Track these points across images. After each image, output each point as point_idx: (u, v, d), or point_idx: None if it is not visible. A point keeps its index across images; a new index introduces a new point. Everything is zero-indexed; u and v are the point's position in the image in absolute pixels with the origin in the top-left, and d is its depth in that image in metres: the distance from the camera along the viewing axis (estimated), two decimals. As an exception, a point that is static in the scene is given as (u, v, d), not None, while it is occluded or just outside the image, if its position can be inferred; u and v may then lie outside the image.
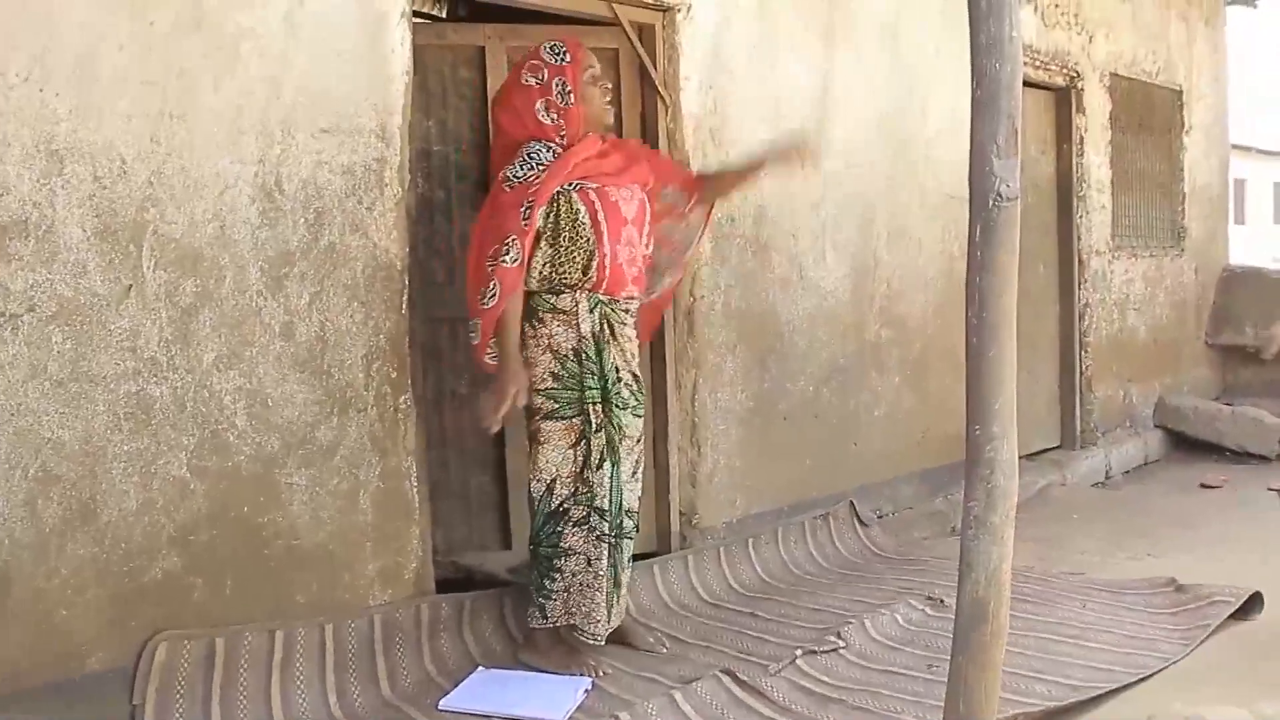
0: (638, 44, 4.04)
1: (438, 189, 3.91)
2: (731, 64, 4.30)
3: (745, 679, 3.01)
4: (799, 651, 3.25)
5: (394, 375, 3.32)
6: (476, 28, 4.01)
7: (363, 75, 3.24)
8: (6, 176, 2.60)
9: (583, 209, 3.18)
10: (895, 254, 5.08)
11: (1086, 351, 6.43)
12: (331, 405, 3.18)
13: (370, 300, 3.26)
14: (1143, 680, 3.15)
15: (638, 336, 3.42)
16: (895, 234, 5.08)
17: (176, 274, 2.88)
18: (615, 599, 3.26)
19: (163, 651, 2.82)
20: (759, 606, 3.79)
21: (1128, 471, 6.52)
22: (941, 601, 3.66)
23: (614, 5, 3.96)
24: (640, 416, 3.33)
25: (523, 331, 3.20)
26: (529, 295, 3.20)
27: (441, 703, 3.00)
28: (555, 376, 3.19)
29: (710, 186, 3.68)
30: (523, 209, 3.11)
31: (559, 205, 3.18)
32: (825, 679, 3.12)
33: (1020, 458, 2.32)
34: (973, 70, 2.17)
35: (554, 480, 3.22)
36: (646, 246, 3.36)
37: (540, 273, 3.19)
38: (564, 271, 3.18)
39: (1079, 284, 6.38)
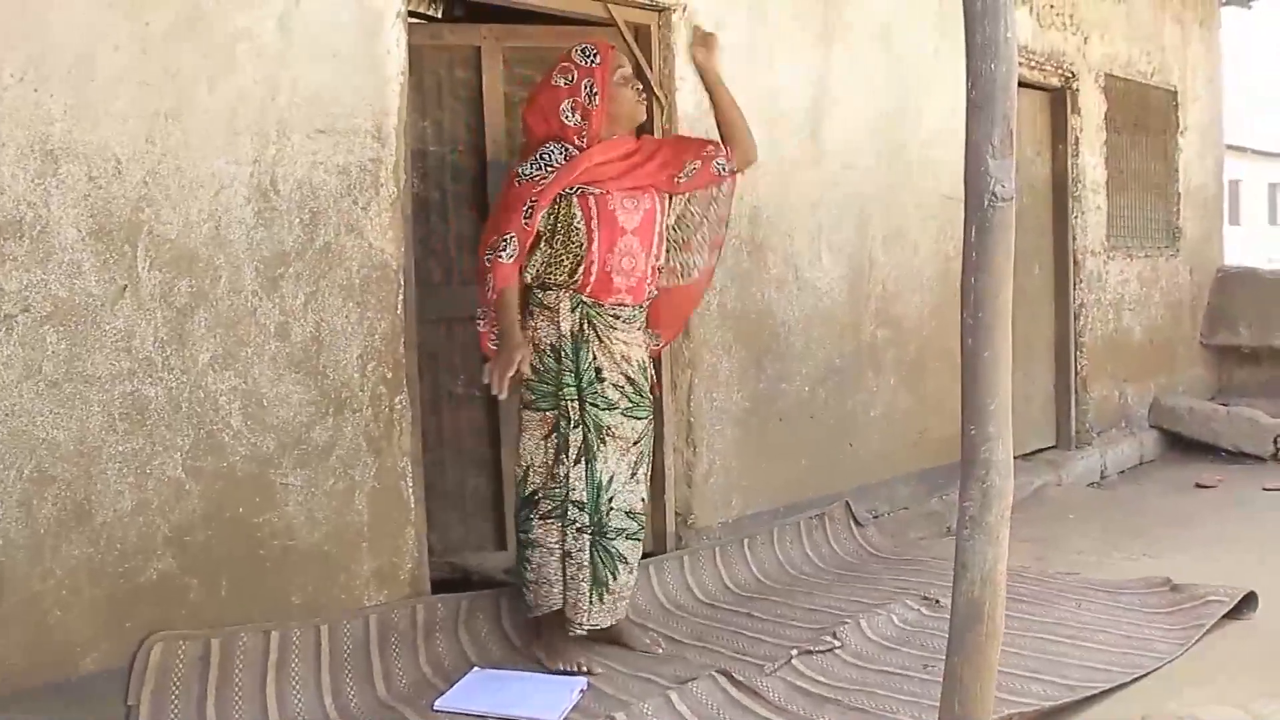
0: (633, 44, 4.04)
1: (433, 189, 3.91)
2: (727, 65, 4.28)
3: (741, 679, 3.01)
4: (795, 652, 3.25)
5: (389, 376, 3.32)
6: (472, 28, 4.01)
7: (358, 76, 3.23)
8: (1, 177, 2.60)
9: (579, 214, 3.23)
10: (891, 255, 5.08)
11: (1082, 352, 6.43)
12: (327, 406, 3.18)
13: (365, 300, 3.26)
14: (1138, 680, 3.16)
15: (658, 335, 3.50)
16: (891, 235, 5.08)
17: (171, 274, 2.88)
18: (602, 595, 3.26)
19: (158, 652, 2.82)
20: (755, 607, 3.79)
21: (1123, 471, 6.53)
22: (937, 601, 3.66)
23: (609, 6, 3.96)
24: (637, 419, 3.33)
25: (521, 323, 3.29)
26: (525, 289, 3.30)
27: (437, 703, 3.00)
28: (534, 370, 3.25)
29: (721, 133, 3.62)
30: (525, 208, 3.18)
31: (559, 207, 3.23)
32: (821, 679, 3.12)
33: (1016, 458, 2.32)
34: (968, 71, 2.18)
35: (528, 468, 3.30)
36: (656, 257, 3.38)
37: (536, 270, 3.28)
38: (553, 271, 3.26)
39: (1074, 284, 6.38)
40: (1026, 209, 5.70)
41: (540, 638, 3.34)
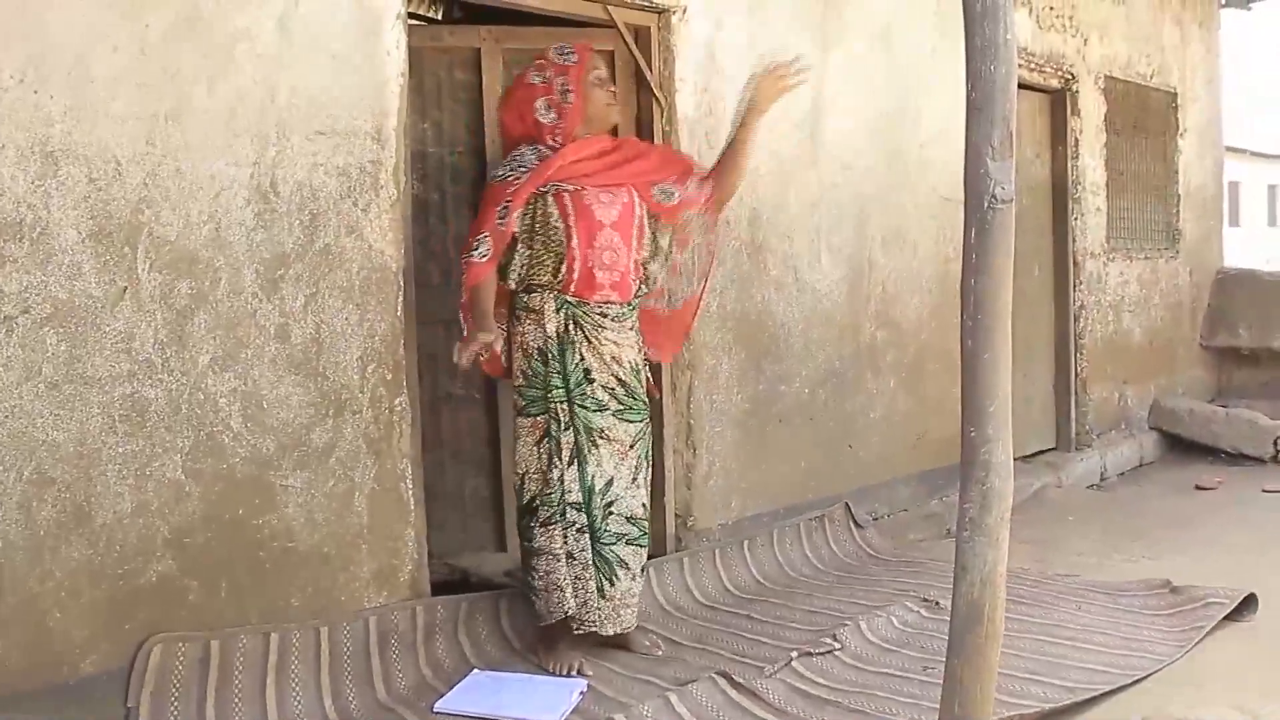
0: (633, 46, 4.05)
1: (433, 191, 3.91)
2: (726, 66, 4.30)
3: (741, 681, 3.01)
4: (794, 653, 3.25)
5: (389, 377, 3.32)
6: (472, 30, 4.01)
7: (358, 78, 3.23)
8: (1, 179, 2.60)
9: (555, 212, 3.24)
10: (891, 256, 5.08)
11: (1081, 354, 6.43)
12: (326, 407, 3.18)
13: (365, 302, 3.26)
14: (1138, 682, 3.15)
15: (646, 346, 3.46)
16: (890, 236, 5.08)
17: (171, 276, 2.87)
18: (605, 595, 3.26)
19: (157, 654, 2.82)
20: (754, 608, 3.79)
21: (1123, 473, 6.53)
22: (937, 603, 3.65)
23: (610, 8, 3.96)
24: (630, 422, 3.32)
25: (506, 332, 3.32)
26: (510, 295, 3.31)
27: (437, 705, 3.00)
28: (524, 375, 3.27)
29: (719, 171, 3.52)
30: (499, 209, 3.19)
31: (535, 207, 3.24)
32: (821, 681, 3.12)
33: (1015, 460, 2.32)
34: (968, 73, 2.18)
35: (524, 475, 3.30)
36: (639, 250, 3.37)
37: (518, 274, 3.28)
38: (535, 272, 3.27)
39: (1074, 286, 6.38)
40: (1026, 211, 5.70)
41: (541, 640, 3.34)
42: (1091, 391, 6.49)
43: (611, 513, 3.28)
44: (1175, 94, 7.38)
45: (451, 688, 3.10)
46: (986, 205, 2.15)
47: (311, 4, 3.12)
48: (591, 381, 3.26)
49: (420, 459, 3.43)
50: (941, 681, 2.29)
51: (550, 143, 3.30)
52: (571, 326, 3.25)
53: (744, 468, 4.40)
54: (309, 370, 3.14)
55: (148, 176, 2.83)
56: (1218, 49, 7.93)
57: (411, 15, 3.94)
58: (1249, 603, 3.71)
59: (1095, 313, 6.55)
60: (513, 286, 3.29)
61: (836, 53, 4.79)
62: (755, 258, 4.44)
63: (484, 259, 3.19)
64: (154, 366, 2.85)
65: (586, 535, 3.24)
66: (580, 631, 3.26)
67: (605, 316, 3.29)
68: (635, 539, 3.32)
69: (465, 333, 3.24)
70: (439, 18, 4.70)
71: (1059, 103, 6.35)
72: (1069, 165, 6.36)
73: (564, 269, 3.23)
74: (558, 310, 3.25)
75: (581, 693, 3.07)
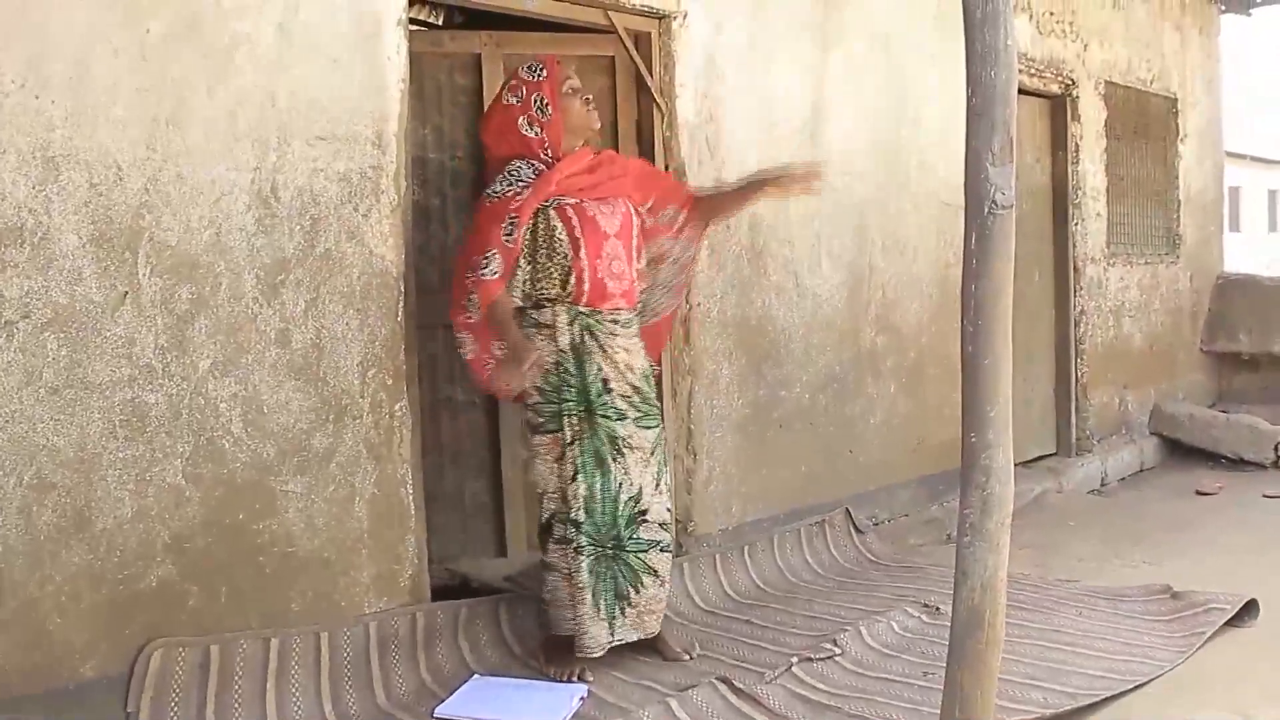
0: (634, 52, 4.05)
1: (434, 196, 3.91)
2: (726, 72, 4.30)
3: (741, 686, 3.01)
4: (795, 659, 3.25)
5: (390, 382, 3.32)
6: (473, 35, 4.01)
7: (358, 83, 3.24)
8: (2, 183, 2.60)
9: (560, 226, 3.22)
10: (891, 261, 5.08)
11: (1082, 358, 6.43)
12: (327, 412, 3.18)
13: (366, 307, 3.26)
14: (1139, 688, 3.15)
15: (645, 352, 3.45)
16: (890, 241, 5.08)
17: (172, 281, 2.88)
18: (624, 609, 3.25)
19: (157, 659, 2.81)
20: (755, 614, 3.79)
21: (1123, 478, 6.52)
22: (938, 609, 3.65)
23: (610, 13, 3.97)
24: (648, 428, 3.32)
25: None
26: (518, 311, 3.26)
27: (437, 710, 3.00)
28: (540, 391, 3.23)
29: (705, 206, 3.64)
30: (505, 225, 3.16)
31: (537, 223, 3.23)
32: (821, 686, 3.12)
33: (1016, 465, 2.32)
34: (968, 78, 2.18)
35: (543, 494, 3.29)
36: (639, 260, 3.38)
37: (523, 290, 3.25)
38: (543, 287, 3.24)
39: (1074, 291, 6.38)
40: (1026, 216, 5.70)
41: (543, 645, 3.33)
42: (1092, 396, 6.49)
43: (645, 520, 3.28)
44: (1175, 99, 7.38)
45: (451, 693, 3.10)
46: (987, 210, 2.15)
47: (312, 9, 3.13)
48: (610, 391, 3.25)
49: (420, 464, 3.43)
50: (942, 687, 2.29)
51: (543, 156, 3.30)
52: (586, 337, 3.24)
53: (744, 473, 4.40)
54: (309, 375, 3.14)
55: (148, 181, 2.83)
56: (1218, 54, 7.94)
57: (412, 20, 3.94)
58: (1250, 608, 3.71)
59: (1096, 318, 6.55)
60: (519, 303, 3.25)
61: (836, 57, 4.79)
62: (755, 263, 4.44)
63: (495, 276, 3.14)
64: (154, 371, 2.85)
65: (584, 557, 3.20)
66: (589, 654, 3.21)
67: (616, 324, 3.29)
68: (666, 545, 3.33)
69: (471, 353, 3.22)
70: (439, 23, 4.69)
71: (1059, 108, 6.36)
72: (1069, 170, 6.36)
73: (573, 281, 3.22)
74: (571, 322, 3.23)
75: (582, 698, 3.07)
